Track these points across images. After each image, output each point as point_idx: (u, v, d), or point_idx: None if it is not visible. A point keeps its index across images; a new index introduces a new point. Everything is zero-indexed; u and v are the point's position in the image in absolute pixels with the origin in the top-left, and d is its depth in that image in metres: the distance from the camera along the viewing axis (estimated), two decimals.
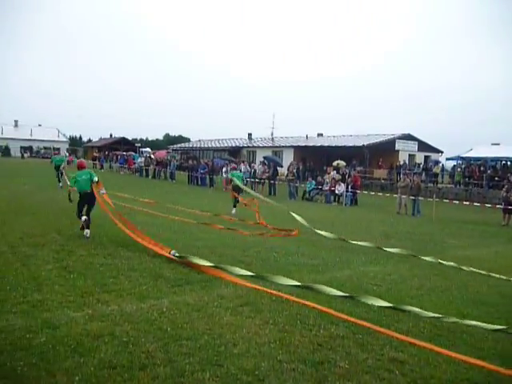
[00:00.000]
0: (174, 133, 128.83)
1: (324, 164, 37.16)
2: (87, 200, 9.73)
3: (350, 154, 36.74)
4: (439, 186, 31.83)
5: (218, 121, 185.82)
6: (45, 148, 75.48)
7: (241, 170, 26.98)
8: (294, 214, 12.25)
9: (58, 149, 71.03)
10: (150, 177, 36.13)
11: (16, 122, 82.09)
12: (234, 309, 5.48)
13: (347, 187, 21.95)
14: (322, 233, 11.08)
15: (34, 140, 77.74)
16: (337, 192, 22.35)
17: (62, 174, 20.19)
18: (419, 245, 11.33)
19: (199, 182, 30.13)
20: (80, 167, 10.32)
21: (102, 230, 10.13)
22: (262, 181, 25.41)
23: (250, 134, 56.43)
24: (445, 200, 22.99)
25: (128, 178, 34.70)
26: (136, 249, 8.51)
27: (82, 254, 7.93)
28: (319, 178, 24.79)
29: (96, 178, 9.78)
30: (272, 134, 53.78)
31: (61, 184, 20.23)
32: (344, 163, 33.12)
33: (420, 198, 19.15)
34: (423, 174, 32.73)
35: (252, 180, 26.33)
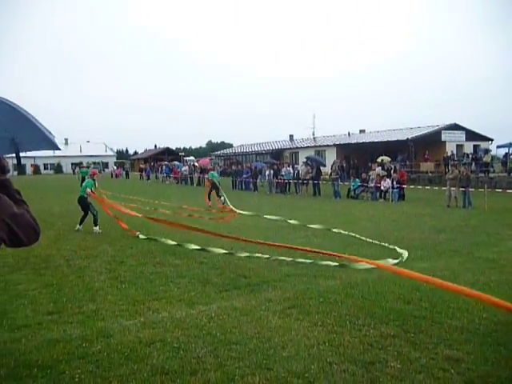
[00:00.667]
0: (216, 140, 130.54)
1: (368, 161, 36.50)
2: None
3: (395, 148, 35.96)
4: (491, 175, 30.60)
5: (259, 124, 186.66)
6: (94, 163, 78.15)
7: (287, 172, 27.06)
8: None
9: (107, 163, 73.49)
10: (194, 184, 36.69)
11: (66, 140, 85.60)
12: (282, 311, 5.48)
13: (393, 183, 21.48)
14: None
15: (84, 156, 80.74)
16: (382, 188, 21.92)
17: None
18: (472, 238, 10.92)
19: (243, 187, 30.33)
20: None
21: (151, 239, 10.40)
22: (306, 181, 25.25)
23: (291, 136, 56.37)
24: (497, 190, 22.10)
25: (173, 187, 35.37)
26: (184, 256, 8.68)
27: (132, 263, 8.16)
28: (364, 175, 24.37)
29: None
30: (313, 134, 53.52)
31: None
32: (388, 158, 32.44)
33: (470, 189, 18.47)
34: (473, 164, 31.60)
35: (295, 181, 26.22)
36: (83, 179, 22.57)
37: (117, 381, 3.75)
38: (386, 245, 9.82)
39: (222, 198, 18.61)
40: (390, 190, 21.37)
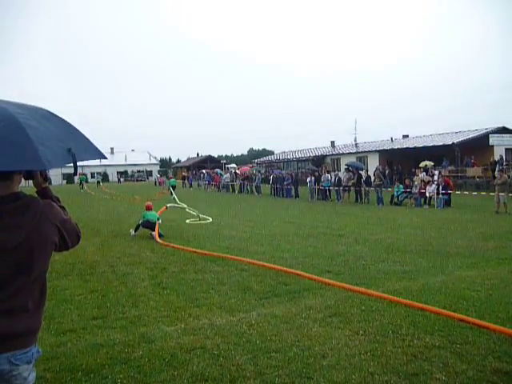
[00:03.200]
0: (257, 147, 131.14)
1: (412, 166, 35.68)
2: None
3: (440, 153, 34.96)
4: None
5: (300, 132, 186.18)
6: (138, 171, 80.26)
7: (327, 179, 26.85)
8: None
9: (151, 171, 75.08)
10: (236, 192, 36.94)
11: (112, 149, 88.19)
12: (323, 320, 5.40)
13: (438, 188, 20.87)
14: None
15: (129, 164, 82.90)
16: (427, 194, 21.34)
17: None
18: None
19: (284, 194, 30.27)
20: (148, 209, 12.83)
21: (191, 246, 10.54)
22: (348, 188, 24.93)
23: (332, 142, 55.83)
24: None
25: (214, 195, 35.73)
26: (224, 263, 8.73)
27: (174, 270, 8.27)
28: (407, 181, 23.82)
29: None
30: (355, 140, 52.82)
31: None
32: (431, 163, 31.56)
33: None
34: None
35: (336, 188, 25.92)
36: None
37: None
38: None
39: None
40: (435, 196, 20.78)
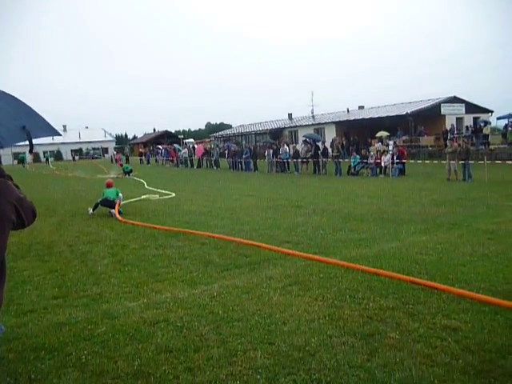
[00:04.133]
0: (215, 121, 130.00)
1: (368, 137, 36.41)
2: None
3: (394, 123, 35.78)
4: (491, 147, 30.50)
5: (258, 104, 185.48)
6: (93, 149, 78.15)
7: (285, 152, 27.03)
8: None
9: (106, 148, 73.56)
10: (195, 166, 36.71)
11: (65, 126, 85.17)
12: (283, 288, 5.57)
13: (393, 158, 21.45)
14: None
15: (83, 142, 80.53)
16: (382, 164, 21.91)
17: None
18: (471, 210, 10.97)
19: (243, 167, 30.33)
20: (108, 186, 12.61)
21: (151, 222, 10.51)
22: (306, 160, 25.23)
23: (290, 114, 56.03)
24: (498, 161, 22.06)
25: (172, 171, 35.40)
26: (185, 238, 8.76)
27: (134, 247, 8.24)
28: (363, 152, 24.34)
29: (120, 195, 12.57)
30: (312, 112, 53.23)
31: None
32: (387, 133, 32.29)
33: (470, 161, 18.47)
34: (473, 137, 31.48)
35: (295, 160, 26.18)
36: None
37: (122, 360, 3.84)
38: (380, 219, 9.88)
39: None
40: (390, 165, 21.36)
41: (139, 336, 4.32)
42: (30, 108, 2.13)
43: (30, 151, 2.05)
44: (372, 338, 4.10)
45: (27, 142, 2.00)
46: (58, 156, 74.20)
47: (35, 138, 2.01)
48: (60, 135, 2.29)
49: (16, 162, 62.31)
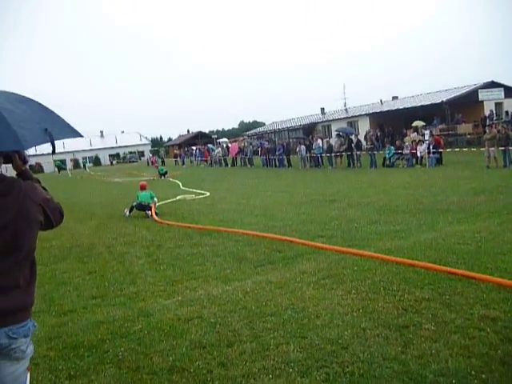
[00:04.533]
0: (248, 119, 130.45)
1: (403, 127, 35.68)
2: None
3: (430, 112, 34.90)
4: None
5: (290, 101, 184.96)
6: (130, 153, 79.84)
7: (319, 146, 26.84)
8: None
9: (143, 151, 75.11)
10: (228, 165, 36.95)
11: (102, 132, 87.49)
12: (316, 282, 5.54)
13: (429, 147, 20.94)
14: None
15: (120, 147, 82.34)
16: (418, 154, 21.43)
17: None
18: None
19: (277, 164, 30.30)
20: (142, 188, 12.81)
21: (186, 222, 10.65)
22: (340, 154, 24.96)
23: (322, 109, 55.53)
24: None
25: (207, 170, 35.74)
26: (219, 236, 8.84)
27: (169, 246, 8.38)
28: (398, 143, 23.86)
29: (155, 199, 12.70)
30: (345, 105, 52.59)
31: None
32: (422, 123, 31.55)
33: (510, 147, 17.83)
34: None
35: (328, 155, 25.94)
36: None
37: (157, 356, 3.91)
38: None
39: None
40: (426, 155, 20.87)
41: (174, 332, 4.39)
42: (52, 111, 2.20)
43: (53, 152, 2.11)
44: (407, 329, 4.03)
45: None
46: (96, 161, 76.20)
47: (57, 139, 2.07)
48: (82, 136, 2.35)
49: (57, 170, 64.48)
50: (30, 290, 2.19)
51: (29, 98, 2.19)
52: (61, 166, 56.77)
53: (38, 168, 68.66)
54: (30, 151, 63.49)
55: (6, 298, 2.07)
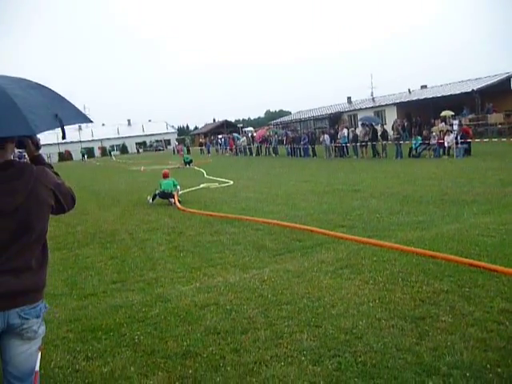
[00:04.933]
0: (274, 108, 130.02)
1: (431, 117, 34.95)
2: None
3: (459, 102, 34.07)
4: None
5: (316, 90, 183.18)
6: (156, 141, 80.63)
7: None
8: None
9: (169, 140, 75.87)
10: (253, 154, 36.94)
11: (129, 120, 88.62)
12: (334, 272, 5.51)
13: (457, 138, 20.46)
14: None
15: (146, 135, 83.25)
16: (446, 144, 20.97)
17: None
18: None
19: (302, 154, 30.13)
20: (164, 176, 12.93)
21: (208, 210, 10.73)
22: (364, 143, 24.64)
23: (349, 98, 54.88)
24: None
25: (231, 159, 35.81)
26: (240, 224, 8.87)
27: (190, 234, 8.45)
28: (425, 133, 23.39)
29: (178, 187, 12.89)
30: (372, 94, 51.84)
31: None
32: (451, 112, 30.84)
33: None
34: None
35: (354, 144, 25.65)
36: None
37: (172, 340, 3.97)
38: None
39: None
40: (454, 145, 20.41)
41: (190, 318, 4.44)
42: (62, 97, 2.24)
43: (63, 137, 2.15)
44: (423, 321, 3.98)
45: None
46: (123, 149, 77.26)
47: (67, 124, 2.10)
48: (91, 122, 2.38)
49: (86, 156, 65.76)
50: (41, 271, 2.24)
51: (40, 84, 2.23)
52: (84, 153, 58.85)
53: (68, 156, 70.09)
54: (60, 139, 65.04)
55: (18, 279, 2.12)
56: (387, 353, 3.46)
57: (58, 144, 69.06)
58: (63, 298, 5.40)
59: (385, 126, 26.53)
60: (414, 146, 22.60)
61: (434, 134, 22.32)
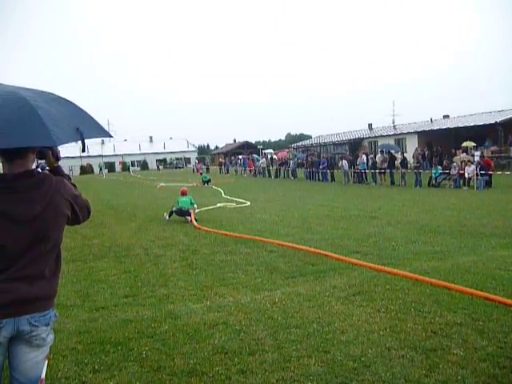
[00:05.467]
0: (295, 132, 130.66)
1: (452, 147, 34.67)
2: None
3: (482, 133, 33.77)
4: None
5: (338, 115, 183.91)
6: (177, 159, 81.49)
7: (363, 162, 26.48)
8: None
9: (189, 158, 76.70)
10: (272, 177, 37.03)
11: (151, 137, 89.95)
12: (346, 298, 5.46)
13: (477, 169, 20.23)
14: None
15: (167, 152, 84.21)
16: (466, 175, 20.74)
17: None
18: None
19: (320, 178, 30.10)
20: (183, 194, 13.02)
21: (224, 229, 10.75)
22: (383, 171, 24.52)
23: (370, 125, 54.93)
24: None
25: (250, 180, 35.93)
26: (254, 245, 8.86)
27: (204, 252, 8.48)
28: (445, 162, 23.19)
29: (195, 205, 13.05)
30: (393, 122, 51.80)
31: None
32: (473, 143, 30.57)
33: None
34: None
35: (373, 171, 25.55)
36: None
37: (180, 358, 3.97)
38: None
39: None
40: (475, 177, 20.17)
41: (198, 336, 4.44)
42: (84, 111, 2.31)
43: (83, 150, 2.21)
44: (434, 353, 3.91)
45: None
46: (144, 165, 78.20)
47: (88, 138, 2.17)
48: (111, 137, 2.45)
49: (107, 170, 66.75)
50: (54, 280, 2.29)
51: (62, 98, 2.31)
52: (101, 167, 60.96)
53: (88, 169, 71.31)
54: (83, 153, 66.73)
55: (31, 286, 2.17)
56: (395, 383, 3.41)
57: (81, 157, 70.39)
58: (75, 309, 5.45)
59: (405, 154, 26.36)
60: (434, 175, 22.41)
61: (454, 164, 22.12)
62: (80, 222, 2.41)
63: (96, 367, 3.85)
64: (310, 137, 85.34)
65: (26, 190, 2.15)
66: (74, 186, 2.41)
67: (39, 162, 2.40)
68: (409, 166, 25.13)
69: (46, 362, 2.31)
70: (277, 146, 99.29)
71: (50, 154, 2.37)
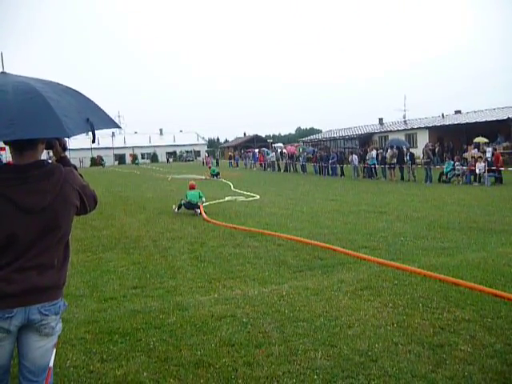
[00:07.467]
0: (305, 126, 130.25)
1: (464, 143, 34.37)
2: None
3: (494, 129, 33.39)
4: None
5: (349, 110, 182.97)
6: (186, 152, 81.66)
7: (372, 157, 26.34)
8: None
9: (199, 151, 76.81)
10: (282, 171, 37.00)
11: (161, 130, 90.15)
12: (353, 292, 5.46)
13: (487, 165, 20.03)
14: None
15: (177, 145, 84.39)
16: (477, 171, 20.56)
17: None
18: None
19: (330, 172, 30.02)
20: (191, 188, 12.97)
21: (233, 223, 10.76)
22: (392, 166, 24.38)
23: (380, 119, 54.60)
24: None
25: (259, 174, 35.93)
26: (263, 239, 8.87)
27: (213, 245, 8.50)
28: (456, 158, 22.99)
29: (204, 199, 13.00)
30: (404, 117, 51.43)
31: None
32: (485, 139, 30.26)
33: None
34: None
35: (382, 166, 25.42)
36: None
37: (187, 349, 3.99)
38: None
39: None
40: (485, 173, 19.99)
41: (205, 328, 4.46)
42: (93, 102, 2.32)
43: (93, 141, 2.22)
44: (441, 348, 3.90)
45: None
46: (153, 158, 78.49)
47: (98, 129, 2.18)
48: (120, 127, 2.45)
49: (117, 162, 67.07)
50: (63, 270, 2.31)
51: (72, 89, 2.32)
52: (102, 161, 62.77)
53: (99, 161, 71.79)
54: (93, 144, 67.48)
55: (41, 276, 2.19)
56: (402, 378, 3.40)
57: (91, 149, 70.74)
58: (84, 299, 5.50)
59: (414, 150, 26.15)
60: (445, 170, 22.24)
61: (457, 163, 21.93)
62: (87, 212, 2.43)
63: (104, 357, 3.89)
64: (320, 131, 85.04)
65: (37, 181, 2.16)
66: (81, 176, 2.42)
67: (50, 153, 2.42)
68: (418, 161, 24.92)
69: (55, 351, 2.34)
70: (287, 139, 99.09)
71: (57, 144, 2.39)
